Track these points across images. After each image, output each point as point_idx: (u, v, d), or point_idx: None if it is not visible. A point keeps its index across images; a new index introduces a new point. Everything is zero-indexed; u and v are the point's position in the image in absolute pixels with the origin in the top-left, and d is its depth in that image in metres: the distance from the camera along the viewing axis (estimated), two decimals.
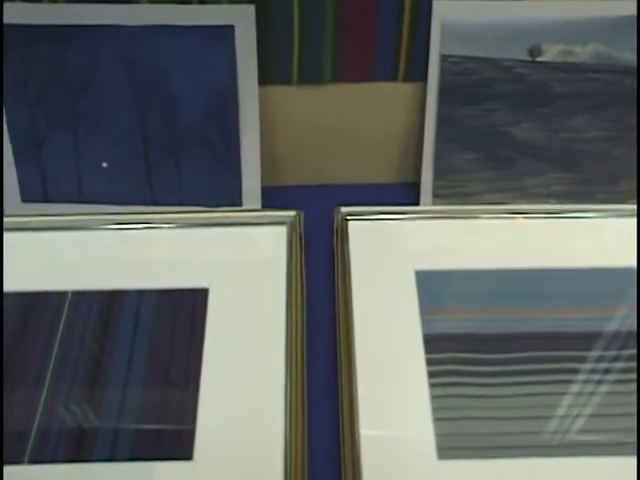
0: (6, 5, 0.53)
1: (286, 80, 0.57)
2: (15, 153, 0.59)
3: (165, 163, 0.59)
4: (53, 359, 0.51)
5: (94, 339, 0.52)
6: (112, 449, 0.47)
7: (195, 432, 0.47)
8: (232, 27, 0.54)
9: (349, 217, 0.59)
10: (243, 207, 0.60)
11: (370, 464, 0.46)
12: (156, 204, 0.60)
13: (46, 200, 0.60)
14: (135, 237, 0.59)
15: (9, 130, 0.58)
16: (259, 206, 0.60)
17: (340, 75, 0.57)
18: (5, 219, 0.60)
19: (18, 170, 0.59)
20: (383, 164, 0.63)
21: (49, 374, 0.50)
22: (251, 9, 0.53)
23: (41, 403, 0.49)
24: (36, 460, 0.46)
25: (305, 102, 0.58)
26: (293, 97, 0.58)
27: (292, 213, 0.59)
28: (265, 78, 0.56)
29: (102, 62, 0.55)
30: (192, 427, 0.48)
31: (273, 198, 0.61)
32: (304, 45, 0.56)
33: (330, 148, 0.61)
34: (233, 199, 0.60)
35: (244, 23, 0.54)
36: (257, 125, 0.57)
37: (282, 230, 0.58)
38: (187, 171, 0.59)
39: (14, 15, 0.54)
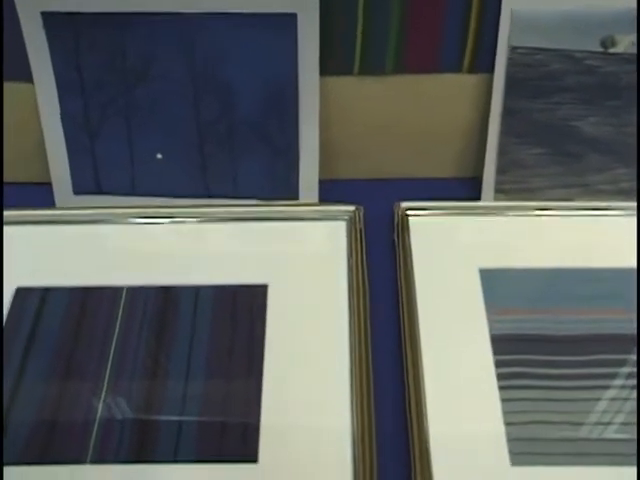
0: None
1: (347, 70, 0.56)
2: (68, 144, 0.58)
3: (220, 154, 0.57)
4: (112, 355, 0.50)
5: (152, 335, 0.51)
6: (175, 447, 0.45)
7: (259, 429, 0.46)
8: (295, 15, 0.52)
9: (409, 212, 0.57)
10: (300, 201, 0.58)
11: (441, 466, 0.45)
12: (210, 196, 0.59)
13: (98, 192, 0.59)
14: (189, 231, 0.58)
15: (62, 121, 0.57)
16: (316, 200, 0.58)
17: (403, 66, 0.55)
18: (57, 212, 0.59)
19: (71, 162, 0.58)
20: (443, 158, 0.61)
21: (108, 370, 0.49)
22: None
23: (101, 400, 0.48)
24: (98, 460, 0.45)
25: (366, 93, 0.57)
26: (354, 88, 0.56)
27: (351, 208, 0.57)
28: (325, 68, 0.55)
29: (160, 50, 0.54)
30: (256, 422, 0.46)
31: (327, 192, 0.59)
32: (367, 34, 0.54)
33: (389, 141, 0.60)
34: (290, 192, 0.58)
35: (307, 11, 0.52)
36: (317, 116, 0.56)
37: (341, 225, 0.56)
38: (243, 163, 0.58)
39: (69, 3, 0.53)
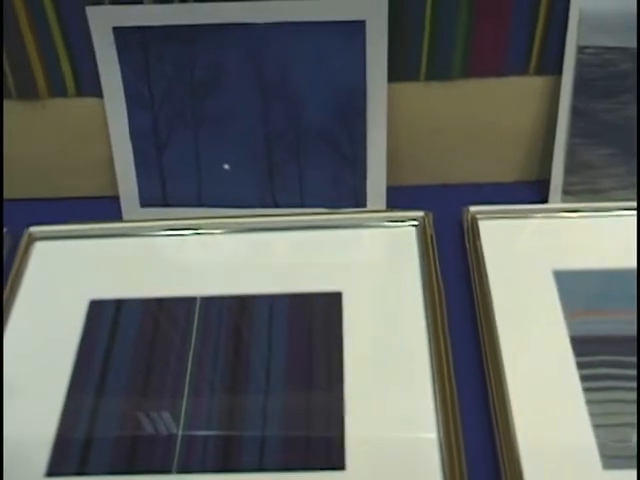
0: (131, 8, 0.53)
1: (413, 76, 0.56)
2: (136, 157, 0.58)
3: (287, 164, 0.58)
4: (190, 365, 0.50)
5: (229, 345, 0.51)
6: (260, 457, 0.45)
7: (344, 439, 0.46)
8: (364, 22, 0.53)
9: (479, 216, 0.57)
10: (368, 208, 0.59)
11: (532, 472, 0.44)
12: (277, 206, 0.59)
13: (165, 204, 0.59)
14: (256, 240, 0.58)
15: (131, 134, 0.57)
16: (384, 207, 0.58)
17: (470, 70, 0.55)
18: (124, 224, 0.59)
19: (138, 175, 0.58)
20: (509, 161, 0.60)
21: (187, 380, 0.49)
22: (384, 3, 0.52)
23: (183, 410, 0.48)
24: (185, 470, 0.45)
25: (433, 98, 0.57)
26: (420, 94, 0.56)
27: (420, 213, 0.57)
28: (391, 74, 0.55)
29: (228, 61, 0.54)
30: (341, 433, 0.46)
31: (393, 198, 0.59)
32: (434, 40, 0.54)
33: (455, 145, 0.59)
34: (357, 200, 0.58)
35: (376, 18, 0.52)
36: (384, 123, 0.55)
37: (411, 231, 0.56)
38: (310, 171, 0.58)
39: (140, 18, 0.53)
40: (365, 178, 0.57)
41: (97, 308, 0.54)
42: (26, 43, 0.54)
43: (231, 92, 0.55)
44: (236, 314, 0.53)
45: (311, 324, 0.52)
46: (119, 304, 0.54)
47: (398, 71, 0.55)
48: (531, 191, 0.60)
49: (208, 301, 0.53)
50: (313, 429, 0.47)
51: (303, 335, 0.51)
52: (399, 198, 0.59)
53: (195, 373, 0.50)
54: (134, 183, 0.59)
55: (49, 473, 0.46)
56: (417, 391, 0.48)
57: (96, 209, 0.60)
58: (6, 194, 0.62)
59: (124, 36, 0.54)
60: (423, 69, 0.55)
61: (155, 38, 0.54)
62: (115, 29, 0.53)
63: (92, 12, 0.53)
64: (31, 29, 0.54)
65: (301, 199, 0.58)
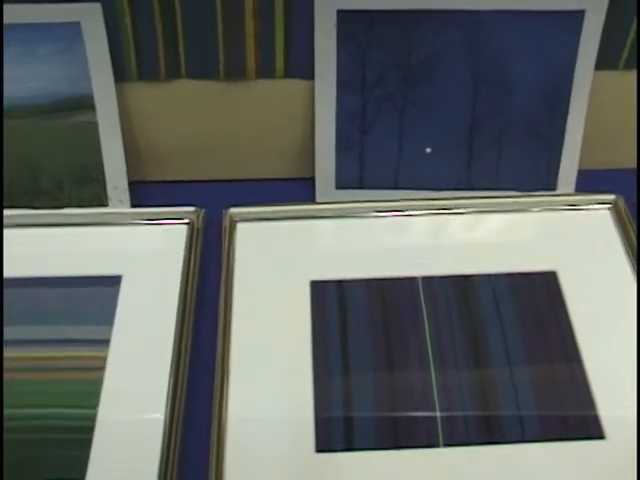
0: None
1: (612, 64, 0.58)
2: (338, 140, 0.58)
3: (488, 148, 0.59)
4: (429, 344, 0.52)
5: (461, 323, 0.53)
6: (521, 430, 0.47)
7: (597, 409, 0.48)
8: (583, 12, 0.54)
9: None
10: (558, 191, 0.61)
11: None
12: (471, 188, 0.61)
13: (360, 187, 0.60)
14: (445, 222, 0.59)
15: (337, 118, 0.58)
16: (572, 190, 0.61)
17: None
18: (318, 207, 0.60)
19: (337, 157, 0.59)
20: None
21: (431, 359, 0.51)
22: None
23: (434, 388, 0.50)
24: (451, 443, 0.47)
25: (627, 85, 0.59)
26: (616, 81, 0.58)
27: (611, 197, 0.59)
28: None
29: (445, 47, 0.55)
30: (592, 402, 0.48)
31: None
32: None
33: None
34: (549, 183, 0.60)
35: (596, 8, 0.54)
36: (584, 110, 0.58)
37: (605, 214, 0.59)
38: (508, 156, 0.59)
39: (366, 1, 0.54)
40: (559, 162, 0.60)
41: (320, 288, 0.55)
42: (246, 25, 0.54)
43: (443, 78, 0.56)
44: (461, 293, 0.54)
45: (534, 302, 0.54)
46: (340, 284, 0.55)
47: (598, 59, 0.57)
48: None
49: (430, 280, 0.55)
50: (566, 401, 0.49)
51: (529, 312, 0.53)
52: (585, 182, 0.61)
53: (436, 350, 0.51)
54: (332, 165, 0.59)
55: (319, 449, 0.47)
56: None
57: (284, 191, 0.61)
58: (203, 175, 0.62)
59: (347, 19, 0.54)
60: (624, 56, 0.57)
61: (377, 22, 0.54)
62: (339, 12, 0.54)
63: None
64: (255, 13, 0.54)
65: (496, 182, 0.60)
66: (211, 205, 0.59)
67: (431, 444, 0.47)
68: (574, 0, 0.54)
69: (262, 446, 0.47)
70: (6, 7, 0.51)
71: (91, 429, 0.48)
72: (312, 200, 0.61)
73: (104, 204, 0.59)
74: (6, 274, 0.54)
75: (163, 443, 0.47)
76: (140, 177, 0.61)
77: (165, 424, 0.48)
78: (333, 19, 0.54)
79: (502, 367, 0.50)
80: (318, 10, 0.54)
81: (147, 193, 0.60)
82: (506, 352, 0.51)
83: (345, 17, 0.54)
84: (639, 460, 0.46)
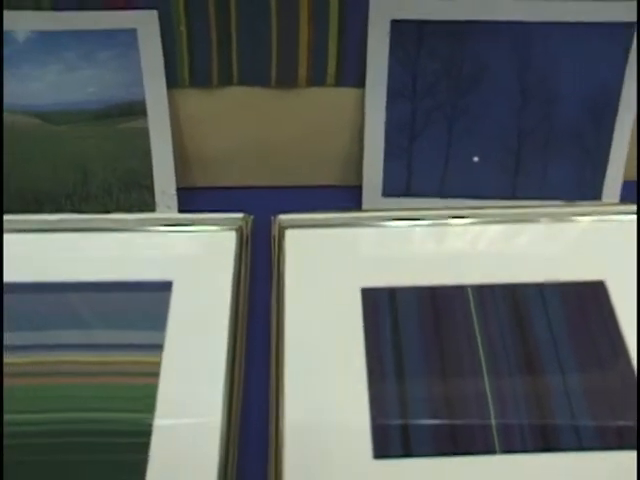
0: (412, 1, 0.53)
1: None
2: (387, 148, 0.59)
3: (534, 158, 0.60)
4: (481, 351, 0.52)
5: (512, 332, 0.53)
6: (577, 439, 0.48)
7: None
8: (633, 24, 0.55)
9: None
10: (603, 201, 0.61)
11: None
12: (517, 197, 0.61)
13: (407, 194, 0.61)
14: (492, 231, 0.59)
15: (386, 125, 0.58)
16: (617, 200, 0.61)
17: None
18: (366, 214, 0.60)
19: (385, 165, 0.60)
20: None
21: (484, 366, 0.51)
22: None
23: (488, 395, 0.50)
24: (508, 450, 0.47)
25: None
26: None
27: None
28: None
29: (494, 58, 0.56)
30: None
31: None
32: None
33: None
34: (594, 193, 0.61)
35: None
36: (631, 121, 0.58)
37: None
38: (554, 165, 0.60)
39: (420, 12, 0.54)
40: (604, 173, 0.61)
41: (371, 296, 0.55)
42: (300, 33, 0.55)
43: (492, 88, 0.57)
44: (511, 302, 0.54)
45: (583, 311, 0.54)
46: (392, 292, 0.55)
47: None
48: None
49: (480, 289, 0.55)
50: (620, 410, 0.49)
51: (578, 321, 0.54)
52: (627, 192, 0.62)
53: (489, 357, 0.51)
54: (380, 173, 0.60)
55: (377, 456, 0.47)
56: None
57: (330, 198, 0.62)
58: (251, 181, 0.62)
59: (400, 29, 0.55)
60: None
61: (430, 33, 0.55)
62: (393, 21, 0.55)
63: (374, 3, 0.54)
64: (309, 21, 0.54)
65: (540, 192, 0.61)
66: (258, 211, 0.59)
67: (488, 451, 0.47)
68: (623, 12, 0.55)
69: (320, 451, 0.47)
70: (67, 14, 0.52)
71: (149, 434, 0.48)
72: (358, 207, 0.61)
73: (151, 209, 0.60)
74: (59, 279, 0.55)
75: (221, 448, 0.47)
76: (188, 183, 0.62)
77: (222, 429, 0.48)
78: (387, 29, 0.55)
79: (554, 375, 0.51)
80: (372, 20, 0.54)
81: (195, 199, 0.61)
82: (558, 360, 0.51)
83: (399, 27, 0.55)
84: (639, 468, 0.46)
